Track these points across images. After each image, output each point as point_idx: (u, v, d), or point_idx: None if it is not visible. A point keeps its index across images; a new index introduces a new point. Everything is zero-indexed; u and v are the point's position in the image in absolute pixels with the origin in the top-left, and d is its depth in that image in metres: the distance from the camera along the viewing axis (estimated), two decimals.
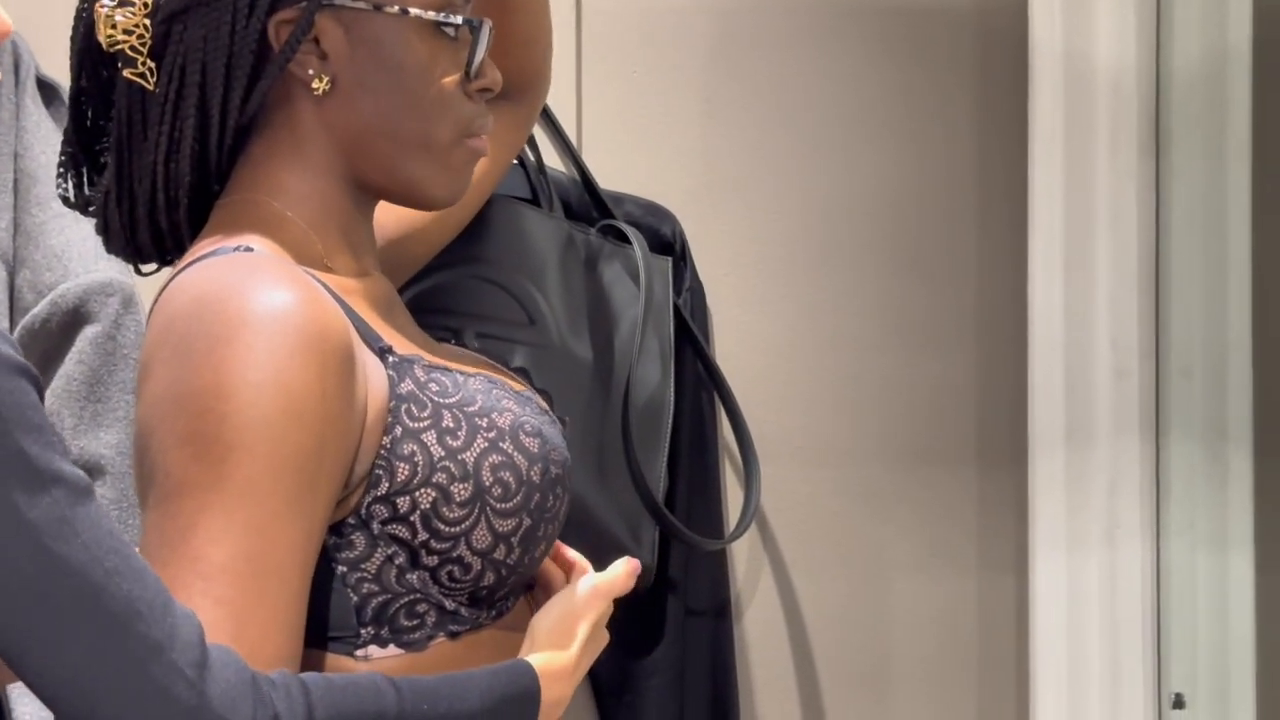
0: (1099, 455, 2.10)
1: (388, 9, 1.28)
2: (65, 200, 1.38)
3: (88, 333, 1.75)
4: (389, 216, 1.46)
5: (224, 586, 1.12)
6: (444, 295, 1.75)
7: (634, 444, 1.80)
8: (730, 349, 2.10)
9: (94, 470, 1.75)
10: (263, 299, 1.16)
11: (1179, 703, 2.13)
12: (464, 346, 1.70)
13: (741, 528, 1.97)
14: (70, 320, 1.75)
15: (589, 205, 1.98)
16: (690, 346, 2.00)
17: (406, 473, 1.22)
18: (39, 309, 1.75)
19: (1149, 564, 2.12)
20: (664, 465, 1.89)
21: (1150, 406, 2.12)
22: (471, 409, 1.26)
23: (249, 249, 1.24)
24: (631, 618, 1.98)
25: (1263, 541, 2.11)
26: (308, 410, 1.15)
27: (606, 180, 2.02)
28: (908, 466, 2.16)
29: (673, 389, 1.92)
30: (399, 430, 1.22)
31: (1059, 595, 2.11)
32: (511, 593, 1.31)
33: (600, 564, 1.79)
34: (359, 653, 1.24)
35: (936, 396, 2.16)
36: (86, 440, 1.75)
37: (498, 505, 1.25)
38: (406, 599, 1.24)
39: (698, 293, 2.06)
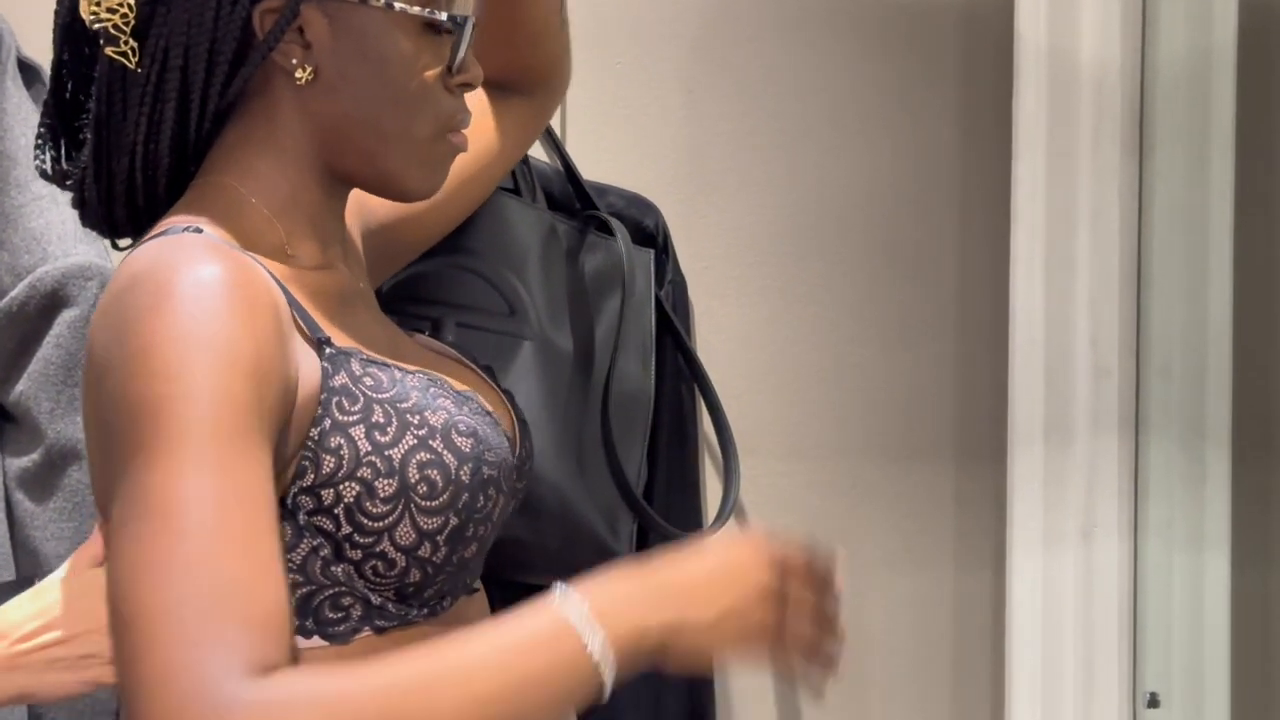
0: (1078, 453, 2.10)
1: (373, 2, 1.28)
2: (43, 173, 1.38)
3: (65, 316, 1.74)
4: (382, 202, 1.45)
5: (195, 541, 1.08)
6: (424, 284, 1.75)
7: (613, 436, 1.79)
8: (711, 342, 2.10)
9: (70, 454, 1.74)
10: (190, 271, 1.16)
11: (1154, 701, 2.13)
12: (443, 336, 1.70)
13: (720, 521, 1.97)
14: (48, 303, 1.74)
15: (572, 196, 1.97)
16: (671, 339, 1.99)
17: (332, 465, 1.21)
18: (17, 292, 1.74)
19: (1126, 562, 2.12)
20: (643, 458, 1.89)
21: (1129, 405, 2.12)
22: (404, 405, 1.25)
23: (198, 230, 1.24)
24: None
25: (1239, 541, 2.11)
26: (242, 357, 1.14)
27: (590, 171, 2.02)
28: (886, 462, 2.16)
29: (653, 381, 1.91)
30: (328, 422, 1.22)
31: (1035, 592, 2.11)
32: (447, 592, 1.30)
33: (576, 555, 1.80)
34: None
35: (916, 392, 2.16)
36: (63, 424, 1.74)
37: (422, 503, 1.24)
38: (331, 591, 1.24)
39: (679, 285, 2.05)
